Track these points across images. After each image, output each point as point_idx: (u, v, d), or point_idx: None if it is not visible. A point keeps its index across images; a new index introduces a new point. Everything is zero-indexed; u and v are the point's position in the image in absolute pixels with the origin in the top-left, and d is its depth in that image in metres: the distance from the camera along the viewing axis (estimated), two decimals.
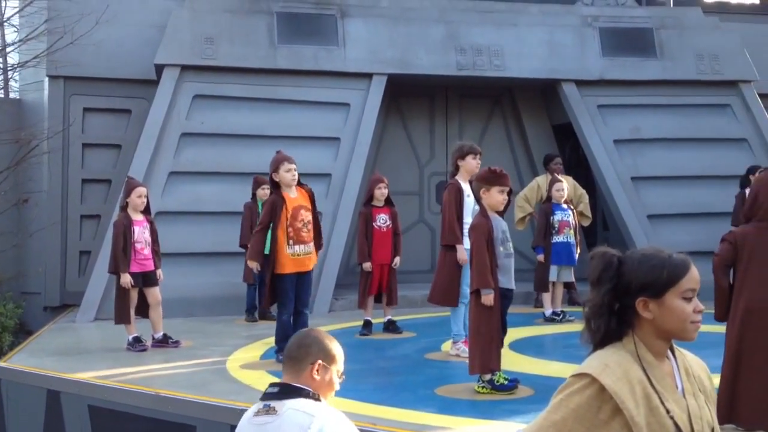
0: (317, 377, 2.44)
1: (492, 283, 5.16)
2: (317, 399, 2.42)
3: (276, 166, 6.40)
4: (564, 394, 1.99)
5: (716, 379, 4.07)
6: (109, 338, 7.59)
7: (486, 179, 5.33)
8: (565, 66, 11.26)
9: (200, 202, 9.80)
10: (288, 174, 6.37)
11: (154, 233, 7.32)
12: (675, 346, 2.08)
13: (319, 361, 2.45)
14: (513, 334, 7.28)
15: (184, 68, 10.23)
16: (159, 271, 7.28)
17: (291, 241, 6.31)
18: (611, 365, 1.97)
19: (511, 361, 6.06)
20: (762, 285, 4.04)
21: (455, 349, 6.57)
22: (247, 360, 6.64)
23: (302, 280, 6.47)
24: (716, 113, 11.57)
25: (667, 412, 1.94)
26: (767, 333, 4.01)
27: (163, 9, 10.69)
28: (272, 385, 2.47)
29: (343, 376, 2.55)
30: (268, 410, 2.38)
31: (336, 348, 2.52)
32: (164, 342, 7.25)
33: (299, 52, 10.59)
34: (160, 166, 9.84)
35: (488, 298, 5.15)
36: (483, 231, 5.22)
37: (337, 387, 2.51)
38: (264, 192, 9.02)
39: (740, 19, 13.14)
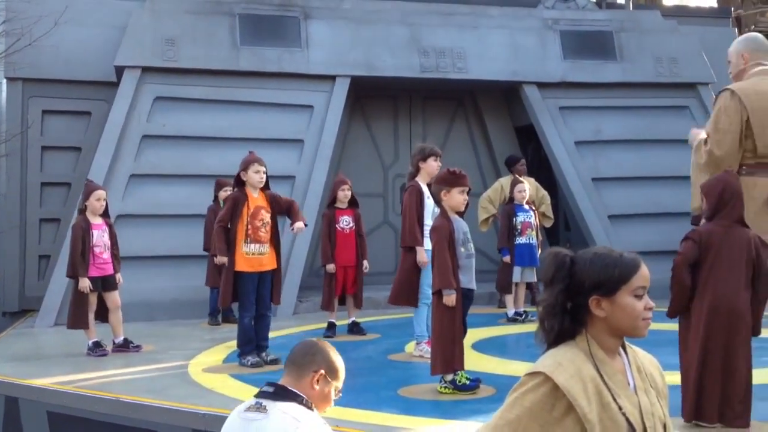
0: (316, 387, 2.46)
1: (454, 284, 5.20)
2: (309, 407, 2.43)
3: (246, 165, 6.47)
4: (518, 393, 2.02)
5: (671, 377, 4.14)
6: (68, 343, 7.48)
7: (446, 181, 5.36)
8: (527, 68, 11.36)
9: (162, 205, 9.71)
10: (256, 175, 6.43)
11: (113, 237, 7.24)
12: (627, 343, 2.11)
13: (322, 372, 2.47)
14: (476, 334, 7.33)
15: (145, 70, 10.13)
16: (118, 275, 7.21)
17: (248, 239, 6.36)
18: (564, 363, 2.00)
19: (474, 361, 6.09)
20: (728, 283, 4.07)
21: (418, 350, 6.60)
22: (210, 364, 6.59)
23: (263, 280, 6.47)
24: (675, 115, 11.74)
25: (619, 408, 1.97)
26: (732, 331, 4.07)
27: (123, 10, 10.56)
28: (269, 384, 2.50)
29: (340, 394, 2.56)
30: (259, 408, 2.41)
31: (340, 364, 2.55)
32: (125, 346, 7.16)
33: (262, 53, 10.55)
34: (120, 168, 9.72)
35: (450, 298, 5.18)
36: (444, 232, 5.26)
37: (331, 403, 2.53)
38: (226, 194, 8.97)
39: (698, 22, 13.36)
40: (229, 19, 10.62)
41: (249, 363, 6.30)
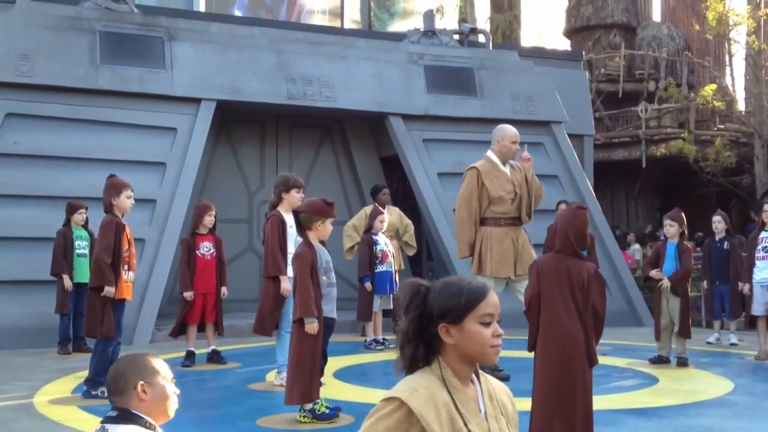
0: (145, 398, 2.42)
1: (315, 312, 5.19)
2: (152, 428, 2.41)
3: (119, 190, 6.27)
4: (374, 418, 2.05)
5: (523, 403, 4.29)
6: None
7: (323, 212, 5.35)
8: (393, 100, 11.61)
9: (12, 227, 9.17)
10: (129, 201, 6.34)
11: None
12: (480, 371, 2.18)
13: (141, 382, 2.42)
14: (337, 362, 7.34)
15: None
16: None
17: (127, 266, 6.28)
18: (419, 389, 2.04)
19: (334, 390, 6.10)
20: (560, 312, 4.19)
21: (279, 378, 6.52)
22: (58, 395, 6.25)
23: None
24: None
25: None
26: (566, 357, 4.19)
27: None
28: (114, 408, 2.45)
29: (173, 381, 2.50)
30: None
31: (152, 361, 2.50)
32: None
33: (123, 73, 10.24)
34: None
35: (312, 326, 5.17)
36: (307, 260, 5.24)
37: (170, 394, 2.46)
38: (81, 217, 8.61)
39: (553, 63, 14.12)
40: (89, 36, 10.26)
41: (103, 394, 6.01)
